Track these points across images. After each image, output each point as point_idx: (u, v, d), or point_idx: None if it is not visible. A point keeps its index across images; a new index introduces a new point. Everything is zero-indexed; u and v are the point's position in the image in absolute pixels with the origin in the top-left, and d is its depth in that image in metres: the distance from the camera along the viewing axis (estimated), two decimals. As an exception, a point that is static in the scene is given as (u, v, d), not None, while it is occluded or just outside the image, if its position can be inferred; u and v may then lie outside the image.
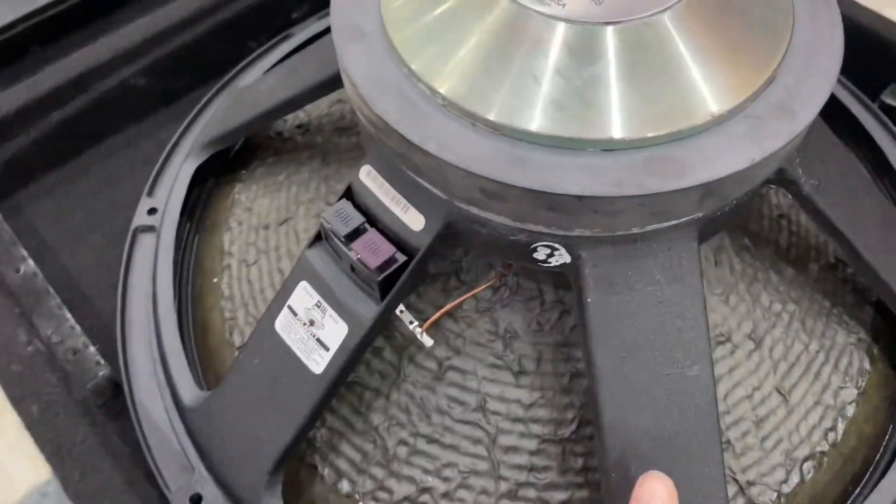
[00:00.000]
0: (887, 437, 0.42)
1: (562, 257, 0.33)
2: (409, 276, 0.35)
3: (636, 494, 0.30)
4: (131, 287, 0.48)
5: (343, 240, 0.35)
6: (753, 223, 0.45)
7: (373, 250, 0.34)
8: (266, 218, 0.48)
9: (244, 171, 0.52)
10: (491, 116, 0.31)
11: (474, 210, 0.33)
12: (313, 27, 0.58)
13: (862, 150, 0.51)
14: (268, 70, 0.55)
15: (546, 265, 0.34)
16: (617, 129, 0.30)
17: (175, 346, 0.44)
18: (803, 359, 0.41)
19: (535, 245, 0.33)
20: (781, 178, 0.36)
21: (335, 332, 0.36)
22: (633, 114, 0.30)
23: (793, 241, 0.45)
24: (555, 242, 0.33)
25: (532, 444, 0.38)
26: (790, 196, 0.37)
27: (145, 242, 0.49)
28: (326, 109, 0.52)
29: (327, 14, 0.36)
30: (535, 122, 0.30)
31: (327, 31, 0.34)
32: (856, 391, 0.41)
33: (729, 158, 0.30)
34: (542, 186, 0.29)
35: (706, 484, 0.33)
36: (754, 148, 0.30)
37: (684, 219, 0.32)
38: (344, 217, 0.35)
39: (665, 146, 0.30)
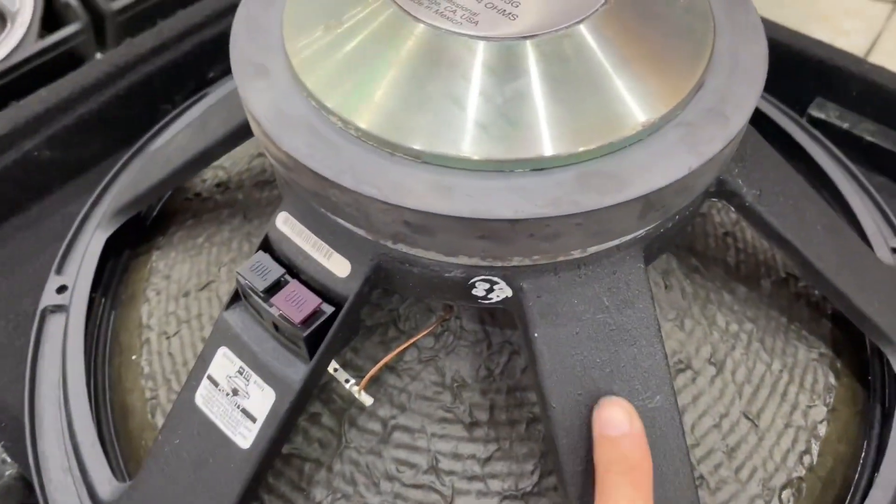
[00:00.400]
0: (863, 454, 0.40)
1: (503, 291, 0.31)
2: (338, 328, 0.31)
3: (595, 428, 0.28)
4: (41, 374, 0.43)
5: (262, 295, 0.32)
6: (700, 243, 0.43)
7: (296, 304, 0.31)
8: (186, 284, 0.44)
9: (162, 238, 0.48)
10: (411, 144, 0.28)
11: (402, 248, 0.30)
12: (229, 85, 0.55)
13: (797, 163, 0.50)
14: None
15: (487, 302, 0.32)
16: (547, 147, 0.28)
17: (89, 435, 0.39)
18: (767, 380, 0.39)
19: (472, 281, 0.31)
20: (723, 191, 0.34)
21: (261, 399, 0.32)
22: (561, 129, 0.28)
23: (741, 258, 0.43)
24: (493, 275, 0.30)
25: None
26: (734, 209, 0.36)
27: (55, 323, 0.45)
28: (247, 165, 0.49)
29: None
30: (459, 145, 0.28)
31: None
32: (825, 408, 0.39)
33: (666, 167, 0.28)
34: (470, 213, 0.27)
35: (683, 526, 0.30)
36: (691, 155, 0.29)
37: (627, 237, 0.30)
38: (261, 270, 0.32)
39: (598, 160, 0.28)
